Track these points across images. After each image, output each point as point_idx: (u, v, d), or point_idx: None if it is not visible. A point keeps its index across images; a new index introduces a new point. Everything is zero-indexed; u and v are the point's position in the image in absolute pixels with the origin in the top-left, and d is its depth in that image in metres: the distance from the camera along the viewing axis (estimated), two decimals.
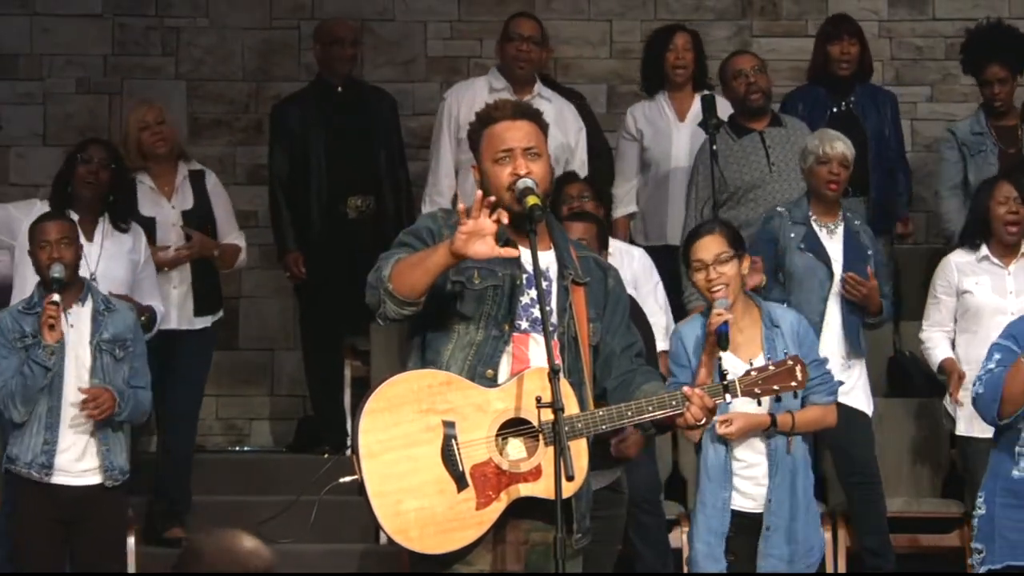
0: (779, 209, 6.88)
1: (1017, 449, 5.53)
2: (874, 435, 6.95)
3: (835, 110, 7.85)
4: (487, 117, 4.49)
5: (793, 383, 4.54)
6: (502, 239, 4.25)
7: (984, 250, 6.87)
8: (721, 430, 5.48)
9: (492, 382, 4.31)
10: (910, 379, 7.83)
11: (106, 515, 6.12)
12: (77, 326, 6.14)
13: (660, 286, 7.04)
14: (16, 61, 8.97)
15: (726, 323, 5.43)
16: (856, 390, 6.76)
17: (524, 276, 4.37)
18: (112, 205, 6.89)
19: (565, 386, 4.27)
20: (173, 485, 7.32)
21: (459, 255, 4.20)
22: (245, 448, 8.86)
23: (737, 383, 4.46)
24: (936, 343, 6.95)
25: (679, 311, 7.15)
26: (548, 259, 4.44)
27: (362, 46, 8.44)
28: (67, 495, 6.08)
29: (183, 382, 7.04)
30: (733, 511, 5.57)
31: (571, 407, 4.27)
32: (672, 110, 7.95)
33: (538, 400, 4.20)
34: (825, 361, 5.75)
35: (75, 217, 6.82)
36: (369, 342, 8.08)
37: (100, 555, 6.16)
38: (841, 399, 6.62)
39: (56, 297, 6.01)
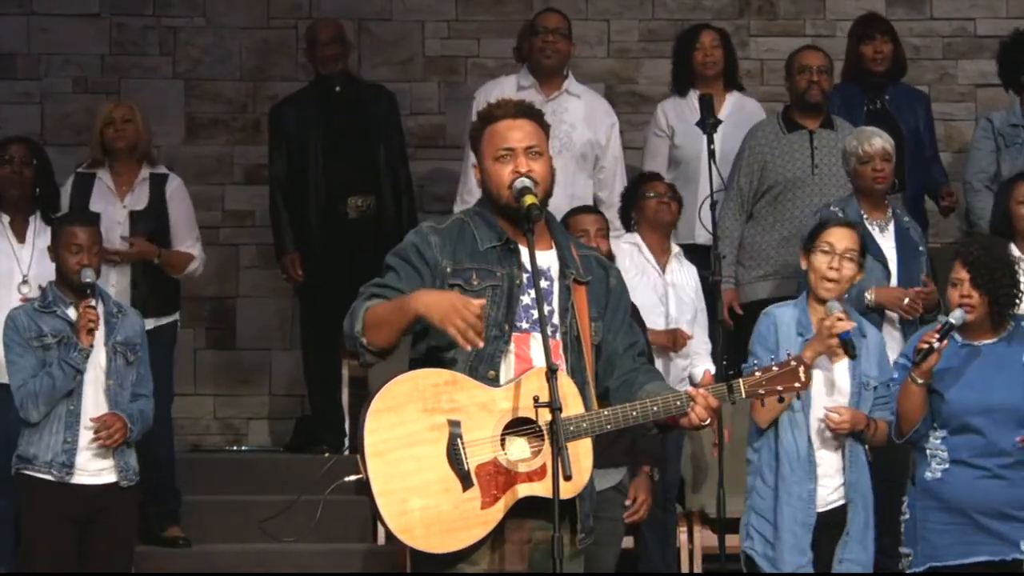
0: (833, 208, 6.80)
1: (928, 452, 5.58)
2: None
3: (869, 108, 7.84)
4: (488, 116, 4.50)
5: (797, 384, 4.51)
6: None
7: (1013, 249, 6.81)
8: (835, 419, 5.50)
9: (494, 383, 4.31)
10: None
11: (118, 516, 6.13)
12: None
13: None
14: (13, 60, 8.97)
15: (849, 332, 5.48)
16: None
17: (524, 276, 4.38)
18: (39, 200, 6.87)
19: (570, 386, 4.29)
20: (160, 486, 7.29)
21: (420, 317, 4.22)
22: (243, 448, 8.86)
23: (741, 384, 4.43)
24: None
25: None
26: (549, 258, 4.44)
27: (350, 45, 8.42)
28: (85, 494, 6.08)
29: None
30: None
31: (575, 407, 4.28)
32: (700, 107, 7.92)
33: (536, 400, 4.21)
34: (894, 381, 5.75)
35: (6, 219, 6.82)
36: None
37: (110, 555, 6.16)
38: None
39: (93, 302, 6.03)
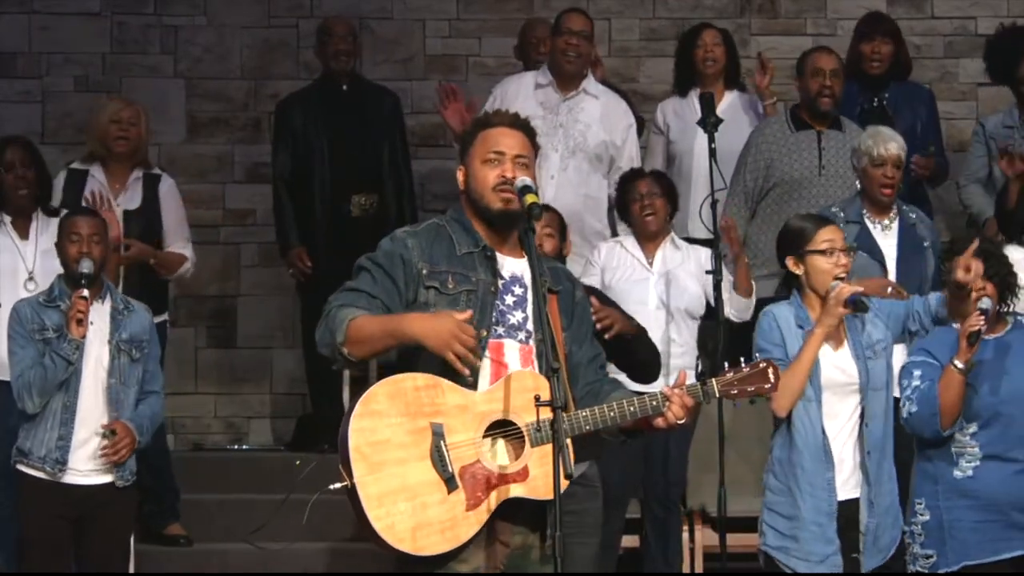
0: (833, 209, 6.75)
1: (954, 450, 5.56)
2: None
3: (865, 106, 7.83)
4: (485, 121, 4.57)
5: (767, 385, 4.56)
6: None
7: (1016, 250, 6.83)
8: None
9: (471, 387, 4.33)
10: None
11: (114, 514, 6.12)
12: (97, 324, 6.11)
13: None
14: (14, 59, 8.99)
15: (855, 294, 5.48)
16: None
17: (500, 283, 4.42)
18: (40, 197, 6.89)
19: (546, 387, 4.28)
20: (157, 483, 7.29)
21: (416, 341, 4.25)
22: (244, 446, 8.86)
23: (714, 383, 4.49)
24: None
25: None
26: (522, 267, 4.48)
27: (360, 44, 8.45)
28: (78, 493, 6.07)
29: None
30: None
31: (550, 411, 4.27)
32: (700, 106, 7.93)
33: (537, 399, 4.24)
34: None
35: (7, 218, 6.82)
36: None
37: (107, 554, 6.16)
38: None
39: (86, 292, 6.00)
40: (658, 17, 9.08)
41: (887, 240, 6.75)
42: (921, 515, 5.60)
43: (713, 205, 6.94)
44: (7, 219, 6.88)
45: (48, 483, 6.05)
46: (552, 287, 4.49)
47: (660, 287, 6.88)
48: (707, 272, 6.87)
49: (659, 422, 4.39)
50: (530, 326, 4.42)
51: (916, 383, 5.57)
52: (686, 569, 7.15)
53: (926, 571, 5.57)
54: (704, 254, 7.01)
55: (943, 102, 8.99)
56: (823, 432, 5.51)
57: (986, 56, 8.11)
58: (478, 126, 4.56)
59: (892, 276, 6.68)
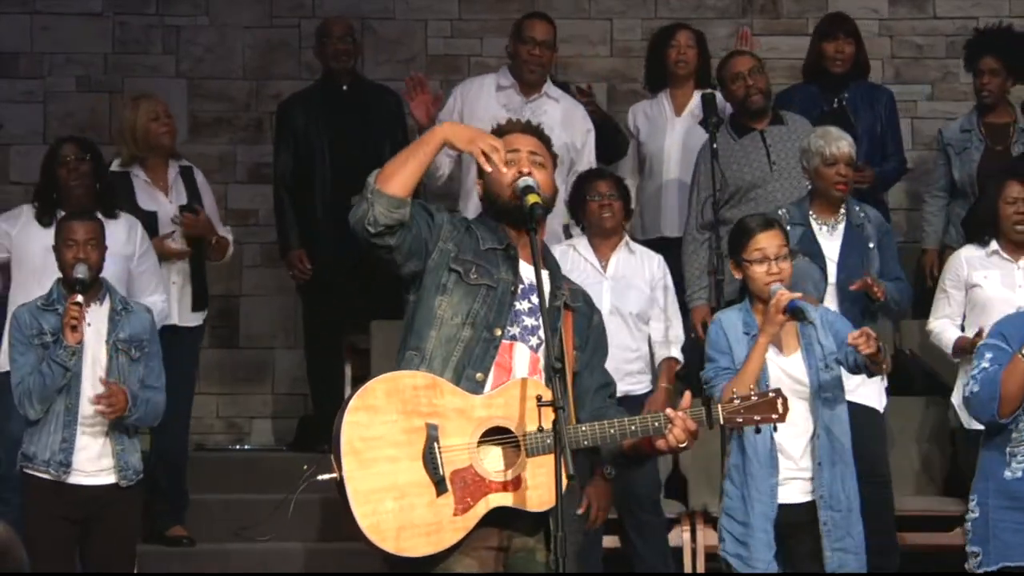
0: (780, 211, 6.76)
1: (1008, 450, 5.51)
2: (886, 433, 6.90)
3: (826, 108, 7.83)
4: (498, 131, 4.61)
5: (774, 415, 4.53)
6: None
7: (994, 245, 6.84)
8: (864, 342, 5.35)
9: (480, 386, 4.32)
10: (910, 378, 7.82)
11: (120, 515, 6.11)
12: (95, 325, 6.10)
13: (674, 292, 7.05)
14: (16, 59, 8.99)
15: (794, 301, 5.41)
16: (865, 386, 6.53)
17: (520, 287, 4.42)
18: (101, 195, 6.86)
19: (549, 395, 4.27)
20: (171, 484, 7.32)
21: (447, 142, 4.39)
22: (246, 447, 8.86)
23: (720, 409, 4.46)
24: (945, 328, 6.91)
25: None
26: (542, 276, 4.45)
27: (360, 44, 8.46)
28: (83, 494, 6.06)
29: (176, 379, 7.00)
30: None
31: (549, 424, 4.25)
32: (670, 105, 7.97)
33: (539, 399, 4.22)
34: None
35: None
36: (369, 341, 8.08)
37: (111, 555, 6.15)
38: (850, 397, 6.57)
39: (79, 298, 5.98)
40: (660, 17, 9.08)
41: (831, 242, 6.73)
42: (972, 512, 5.57)
43: (715, 205, 6.94)
44: None
45: (53, 485, 6.04)
46: (570, 302, 4.51)
47: (614, 291, 6.87)
48: (709, 273, 6.87)
49: (661, 444, 4.38)
50: (542, 334, 4.40)
51: (984, 364, 5.46)
52: (687, 569, 7.15)
53: (971, 568, 5.55)
54: (657, 261, 7.00)
55: (945, 102, 9.02)
56: (771, 438, 5.50)
57: (967, 44, 8.13)
58: (495, 135, 4.57)
59: (832, 278, 6.66)
